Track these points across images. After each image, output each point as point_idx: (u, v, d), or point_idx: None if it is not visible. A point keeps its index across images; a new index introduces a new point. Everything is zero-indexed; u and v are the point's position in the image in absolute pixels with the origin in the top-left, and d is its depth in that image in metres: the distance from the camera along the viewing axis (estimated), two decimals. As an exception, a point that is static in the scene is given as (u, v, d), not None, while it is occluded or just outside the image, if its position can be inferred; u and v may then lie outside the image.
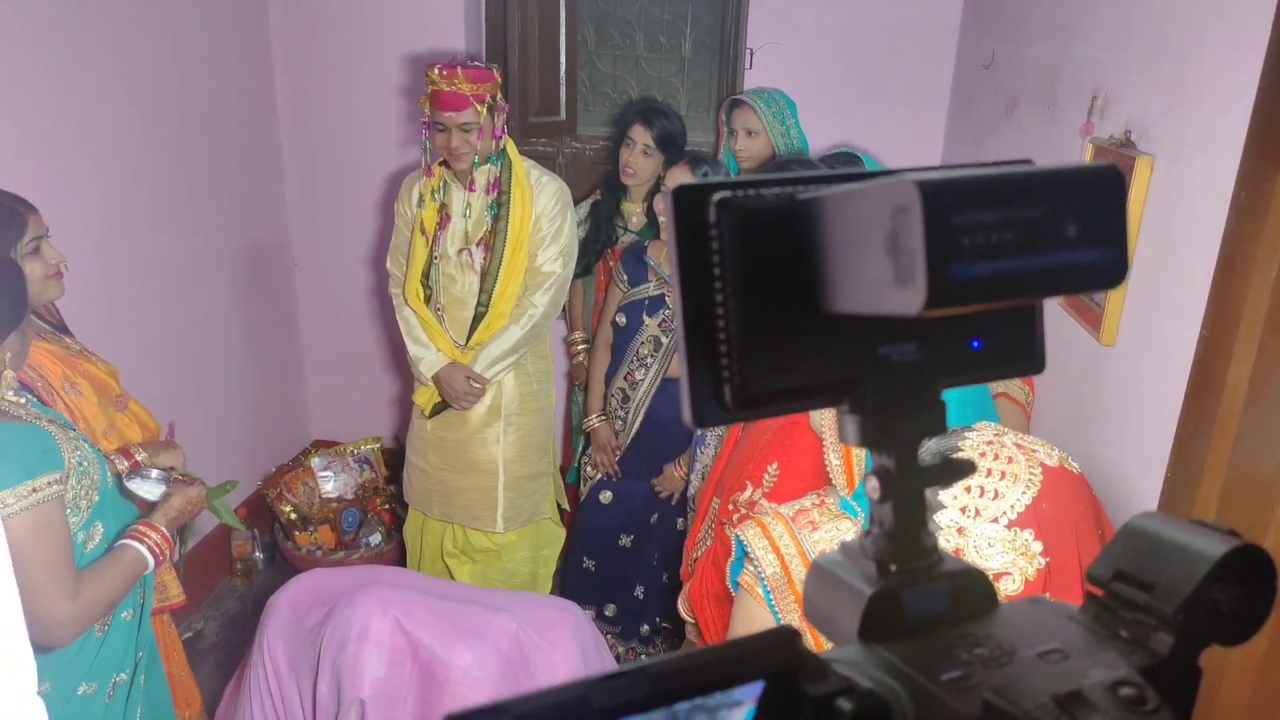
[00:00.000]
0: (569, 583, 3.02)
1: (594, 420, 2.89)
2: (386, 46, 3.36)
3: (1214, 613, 0.36)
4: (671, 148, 2.85)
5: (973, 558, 1.00)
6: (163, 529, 1.73)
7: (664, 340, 2.71)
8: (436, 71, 2.46)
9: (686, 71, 3.68)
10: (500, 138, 2.58)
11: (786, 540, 1.33)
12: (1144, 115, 1.73)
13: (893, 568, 0.39)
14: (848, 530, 1.34)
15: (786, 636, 0.35)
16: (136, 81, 2.71)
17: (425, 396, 2.78)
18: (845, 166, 2.49)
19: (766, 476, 1.72)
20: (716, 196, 0.37)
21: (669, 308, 2.67)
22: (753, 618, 1.36)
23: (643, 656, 2.94)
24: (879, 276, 0.34)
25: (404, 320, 2.76)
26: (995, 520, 1.00)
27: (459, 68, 2.46)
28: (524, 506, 2.86)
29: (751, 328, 0.37)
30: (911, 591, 0.39)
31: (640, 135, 2.84)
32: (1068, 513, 1.04)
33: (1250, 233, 1.29)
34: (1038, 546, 0.99)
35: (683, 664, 0.33)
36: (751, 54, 3.27)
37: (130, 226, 2.72)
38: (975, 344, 0.40)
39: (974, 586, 0.40)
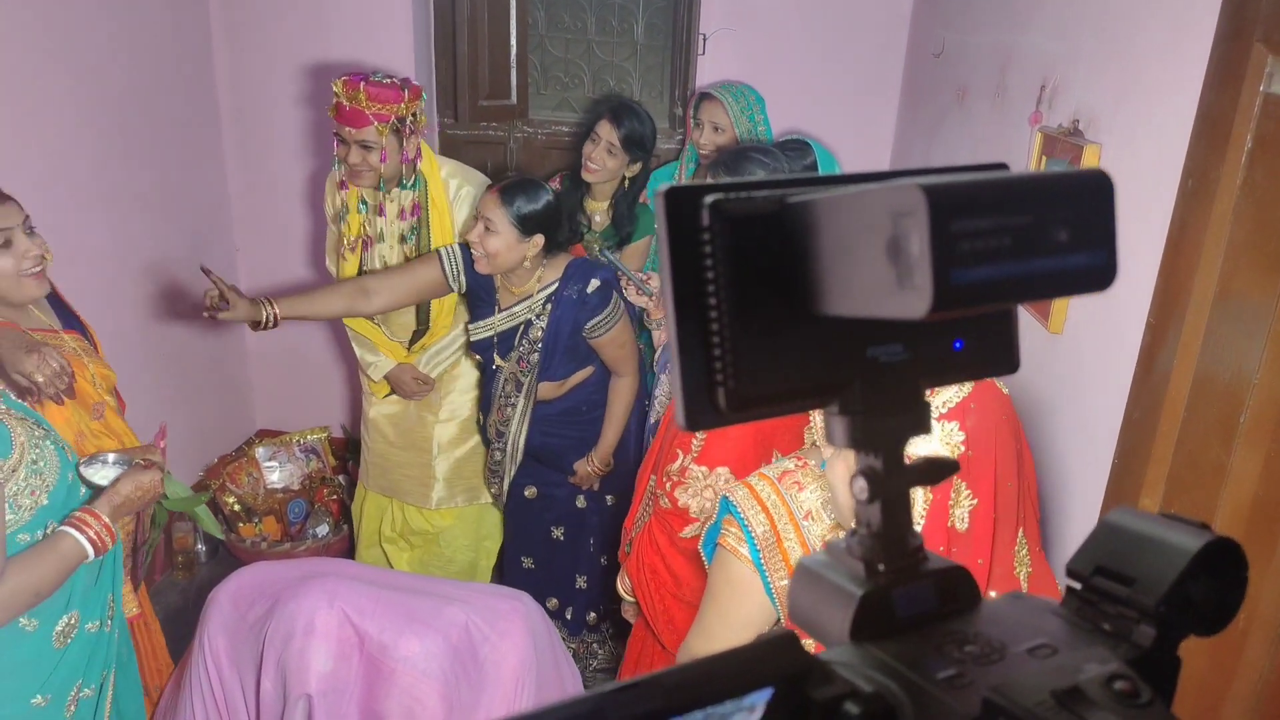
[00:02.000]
0: (509, 583, 2.99)
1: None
2: (330, 30, 3.27)
3: (1190, 604, 0.37)
4: (637, 149, 2.77)
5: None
6: (105, 517, 1.60)
7: (524, 380, 2.55)
8: (340, 83, 2.34)
9: (639, 56, 3.65)
10: (412, 161, 2.45)
11: (774, 500, 1.35)
12: (1092, 104, 1.75)
13: (881, 567, 0.40)
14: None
15: (790, 641, 0.35)
16: (71, 57, 2.60)
17: (378, 390, 2.81)
18: (796, 153, 2.49)
19: (695, 442, 1.77)
20: (709, 200, 0.37)
21: (522, 347, 2.51)
22: (737, 579, 1.37)
23: (594, 646, 2.93)
24: (878, 280, 0.34)
25: (350, 326, 2.76)
26: None
27: (363, 82, 2.32)
28: (459, 487, 2.86)
29: (744, 330, 0.37)
30: (900, 591, 0.40)
31: (606, 132, 2.77)
32: (990, 416, 1.18)
33: (1197, 221, 1.31)
34: (960, 436, 1.11)
35: (694, 673, 0.34)
36: (705, 39, 3.25)
37: (69, 211, 2.62)
38: (958, 345, 0.41)
39: (958, 583, 0.41)
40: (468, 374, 2.81)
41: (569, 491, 2.71)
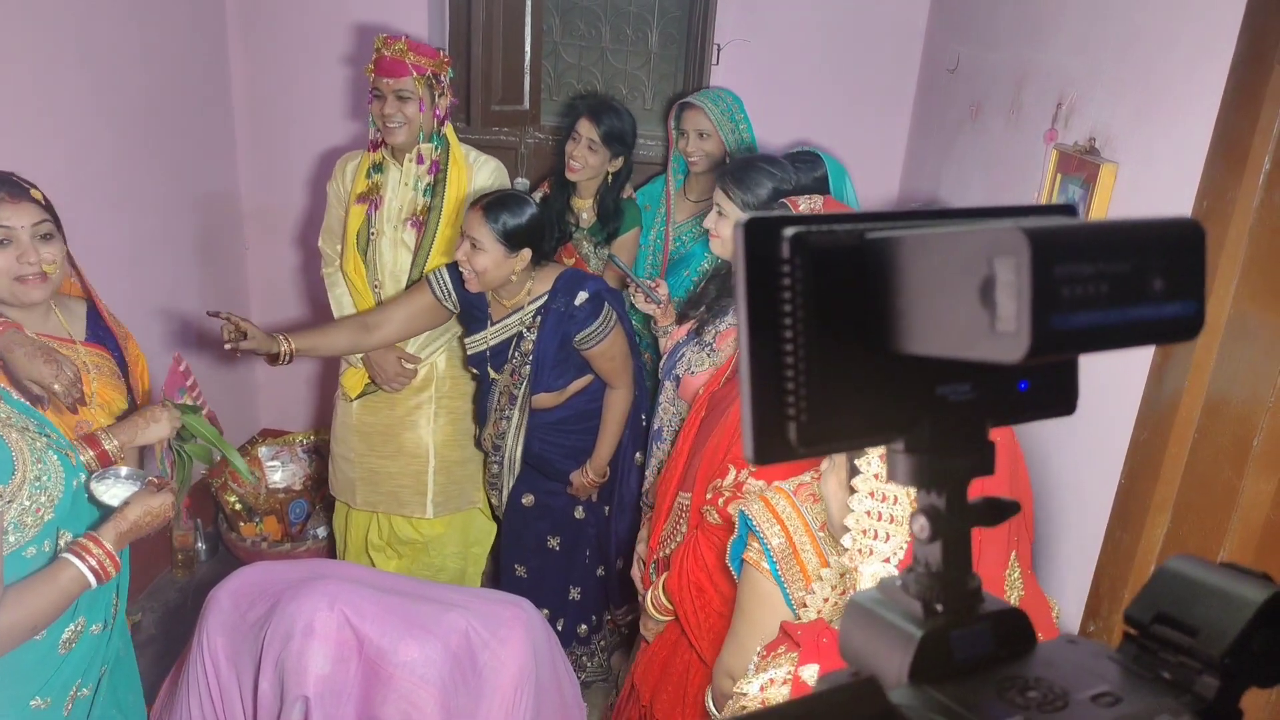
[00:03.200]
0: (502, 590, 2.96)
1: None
2: (347, 31, 3.28)
3: (1251, 656, 0.37)
4: (617, 145, 2.80)
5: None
6: (108, 545, 1.52)
7: (517, 392, 2.54)
8: (381, 38, 2.49)
9: (652, 65, 3.65)
10: (441, 119, 2.57)
11: (790, 512, 1.35)
12: (1109, 123, 1.74)
13: (939, 607, 0.40)
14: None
15: (873, 688, 0.35)
16: (86, 55, 2.61)
17: (354, 379, 2.73)
18: (807, 165, 2.48)
19: None
20: (789, 232, 0.36)
21: (515, 359, 2.50)
22: (760, 594, 1.38)
23: (584, 660, 2.90)
24: (968, 321, 0.34)
25: (336, 299, 2.74)
26: None
27: (404, 37, 2.48)
28: (453, 493, 2.83)
29: (818, 365, 0.37)
30: (958, 633, 0.39)
31: (586, 130, 2.80)
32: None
33: (1212, 242, 1.30)
34: None
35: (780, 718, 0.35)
36: (719, 50, 3.25)
37: (79, 208, 2.61)
38: (1023, 385, 0.40)
39: (1014, 626, 0.40)
40: (459, 375, 2.78)
41: (567, 501, 2.69)
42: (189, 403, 2.02)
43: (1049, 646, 0.41)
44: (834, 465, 1.18)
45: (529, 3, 3.41)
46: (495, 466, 2.67)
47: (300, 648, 1.82)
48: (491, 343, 2.52)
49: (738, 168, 2.17)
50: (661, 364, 2.47)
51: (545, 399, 2.53)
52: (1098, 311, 0.34)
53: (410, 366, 2.66)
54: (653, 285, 2.46)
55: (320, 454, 3.45)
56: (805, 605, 1.35)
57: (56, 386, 1.73)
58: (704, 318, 2.27)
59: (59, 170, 2.51)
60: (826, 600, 1.30)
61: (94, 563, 1.49)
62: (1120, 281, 0.34)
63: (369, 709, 1.87)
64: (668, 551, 2.05)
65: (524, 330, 2.47)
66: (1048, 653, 0.40)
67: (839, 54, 3.24)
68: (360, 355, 2.66)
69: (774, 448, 0.37)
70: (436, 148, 2.58)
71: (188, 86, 3.11)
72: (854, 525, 1.09)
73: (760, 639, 1.39)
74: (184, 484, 2.03)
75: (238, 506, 3.22)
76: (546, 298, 2.45)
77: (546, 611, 2.81)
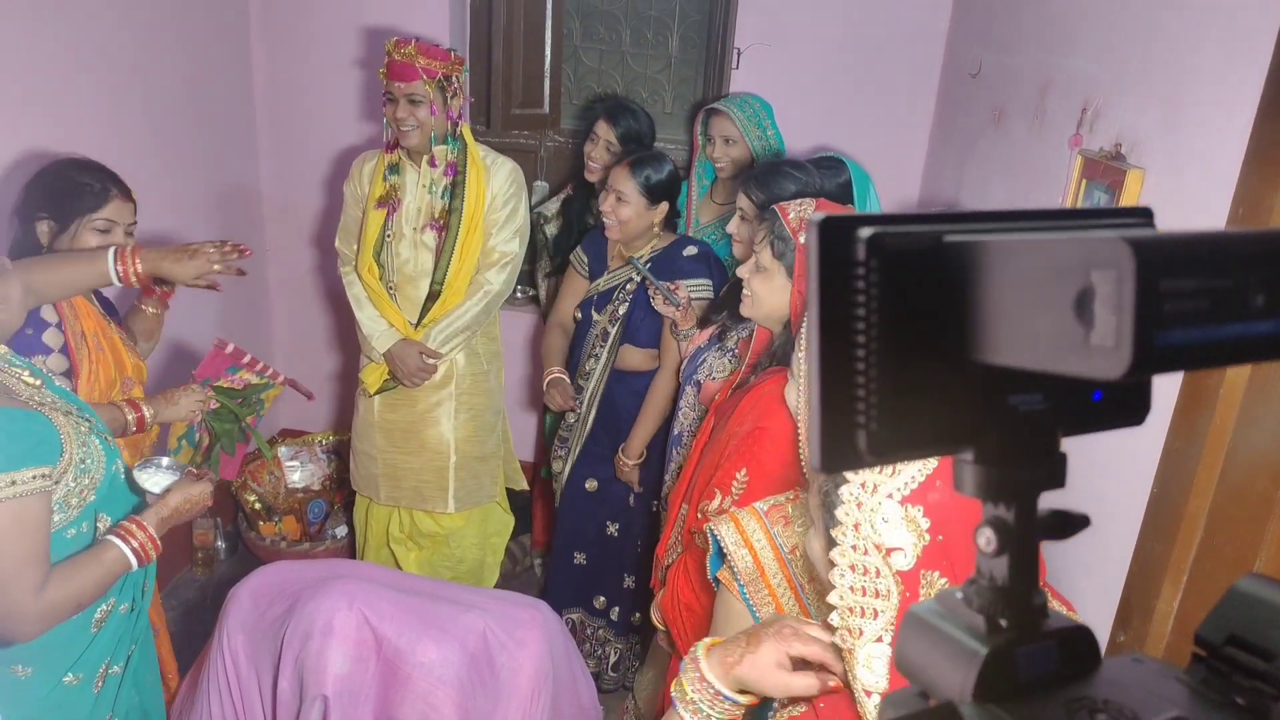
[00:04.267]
0: (558, 579, 2.96)
1: (555, 371, 2.81)
2: (368, 34, 3.30)
3: None
4: (636, 146, 2.81)
5: (868, 531, 0.99)
6: (151, 530, 1.63)
7: (611, 330, 2.68)
8: (392, 42, 2.51)
9: (672, 69, 3.65)
10: (455, 121, 2.58)
11: (759, 535, 1.33)
12: (1136, 128, 1.73)
13: (1003, 623, 0.38)
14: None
15: (952, 712, 0.35)
16: (110, 57, 2.63)
17: (374, 374, 2.75)
18: (831, 170, 2.47)
19: (735, 484, 1.69)
20: (865, 233, 0.35)
21: (617, 300, 2.66)
22: (732, 613, 1.35)
23: (636, 646, 2.89)
24: (1059, 334, 0.33)
25: (355, 297, 2.75)
26: (890, 495, 0.99)
27: (415, 41, 2.50)
28: (474, 487, 2.86)
29: (891, 372, 0.36)
30: (1024, 649, 0.38)
31: (604, 131, 2.83)
32: (961, 495, 1.03)
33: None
34: (925, 523, 0.99)
35: None
36: (739, 54, 3.25)
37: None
38: (1097, 395, 0.39)
39: (1080, 644, 0.39)
40: (479, 372, 2.80)
41: (623, 488, 2.75)
42: (230, 385, 2.15)
43: (1114, 665, 0.39)
44: (815, 531, 1.10)
45: (549, 7, 3.41)
46: (571, 417, 2.76)
47: (319, 647, 1.83)
48: (602, 288, 2.72)
49: (761, 172, 2.16)
50: (683, 368, 2.47)
51: (630, 355, 2.66)
52: (1198, 328, 0.32)
53: (431, 362, 2.67)
54: (672, 288, 2.46)
55: (339, 454, 3.46)
56: None
57: (216, 266, 1.92)
58: (726, 323, 2.26)
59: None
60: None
61: (136, 544, 1.59)
62: (1222, 297, 0.33)
63: (387, 709, 1.87)
64: (668, 563, 2.04)
65: (634, 276, 2.64)
66: (1113, 672, 0.39)
67: (859, 58, 3.22)
68: (387, 345, 2.68)
69: (842, 455, 0.36)
70: (453, 150, 2.60)
71: (210, 87, 3.14)
72: (839, 603, 1.01)
73: None
74: (213, 464, 2.16)
75: (257, 506, 3.23)
76: (661, 252, 2.63)
77: (602, 599, 2.84)
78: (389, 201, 2.63)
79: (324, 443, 3.46)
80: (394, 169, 2.63)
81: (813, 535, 1.11)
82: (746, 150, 2.82)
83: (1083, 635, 0.39)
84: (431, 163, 2.60)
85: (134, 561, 1.58)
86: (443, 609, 1.94)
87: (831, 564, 1.02)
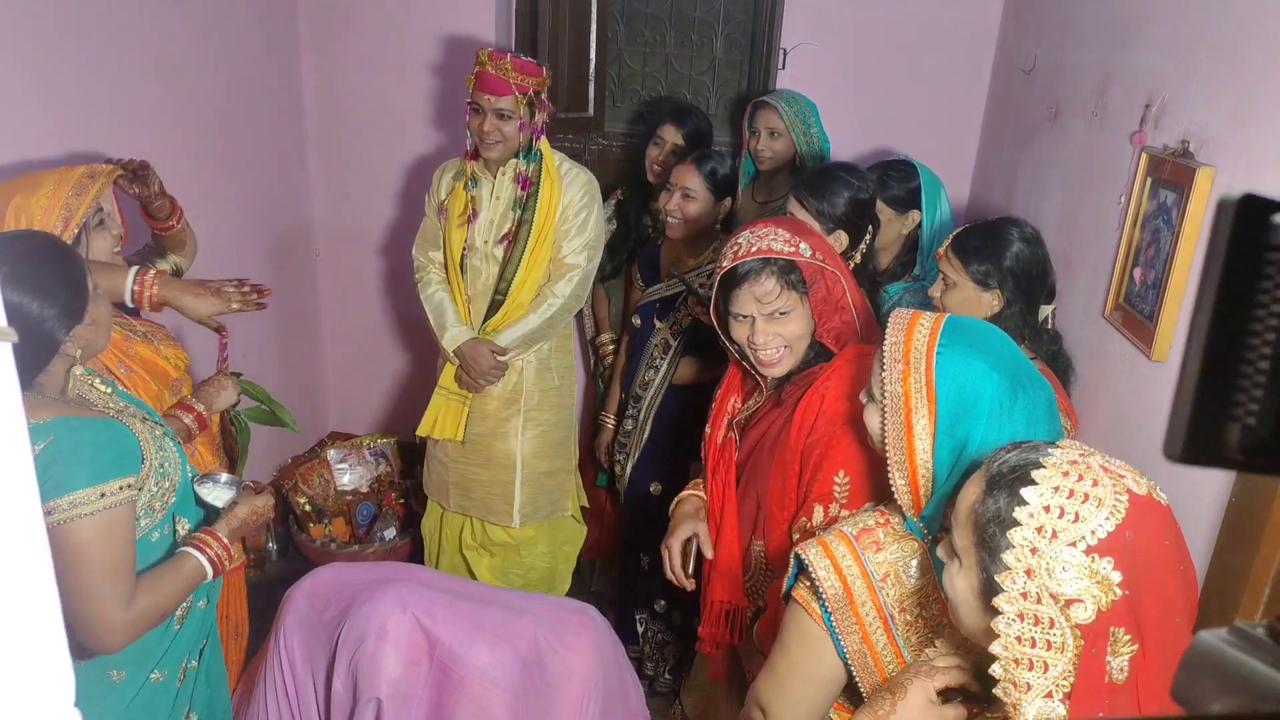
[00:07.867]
0: (625, 582, 2.96)
1: (607, 418, 2.91)
2: (415, 40, 3.32)
3: None
4: (700, 147, 2.80)
5: (1043, 579, 0.94)
6: (224, 539, 1.69)
7: (673, 343, 2.64)
8: (486, 53, 2.48)
9: (717, 70, 3.64)
10: (538, 136, 2.56)
11: (849, 561, 1.28)
12: (1205, 124, 1.68)
13: None
14: (913, 552, 1.29)
15: None
16: (164, 70, 2.68)
17: (451, 375, 2.74)
18: (901, 175, 2.43)
19: (837, 489, 1.59)
20: None
21: (679, 310, 2.63)
22: (803, 632, 1.32)
23: (690, 652, 2.87)
24: None
25: (428, 300, 2.71)
26: (1073, 544, 0.94)
27: (509, 54, 2.47)
28: (542, 502, 2.83)
29: None
30: None
31: (670, 135, 2.82)
32: (1152, 545, 0.96)
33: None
34: (1116, 576, 0.93)
35: None
36: (785, 54, 3.22)
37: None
38: None
39: None
40: (547, 388, 2.78)
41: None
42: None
43: None
44: (962, 568, 1.05)
45: (594, 9, 3.41)
46: (629, 423, 2.75)
47: (373, 650, 1.84)
48: (666, 294, 2.70)
49: (814, 175, 2.14)
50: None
51: (687, 369, 2.64)
52: None
53: (502, 359, 2.65)
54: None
55: (387, 456, 3.49)
56: (865, 657, 1.28)
57: (235, 305, 1.93)
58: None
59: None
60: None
61: (212, 554, 1.64)
62: None
63: (440, 712, 1.87)
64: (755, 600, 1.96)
65: (699, 286, 2.62)
66: None
67: (908, 57, 3.18)
68: (458, 344, 2.65)
69: (1205, 449, 0.33)
70: (529, 163, 2.57)
71: (261, 97, 3.18)
72: (1003, 653, 0.97)
73: (797, 676, 1.33)
74: (244, 452, 2.21)
75: (307, 508, 3.27)
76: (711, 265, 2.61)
77: (663, 602, 2.83)
78: (467, 214, 2.62)
79: (372, 445, 3.49)
80: (473, 180, 2.62)
81: (956, 573, 1.06)
82: (790, 145, 2.80)
83: None
84: (515, 177, 2.58)
85: (210, 571, 1.63)
86: (495, 613, 1.94)
87: (996, 611, 0.97)
